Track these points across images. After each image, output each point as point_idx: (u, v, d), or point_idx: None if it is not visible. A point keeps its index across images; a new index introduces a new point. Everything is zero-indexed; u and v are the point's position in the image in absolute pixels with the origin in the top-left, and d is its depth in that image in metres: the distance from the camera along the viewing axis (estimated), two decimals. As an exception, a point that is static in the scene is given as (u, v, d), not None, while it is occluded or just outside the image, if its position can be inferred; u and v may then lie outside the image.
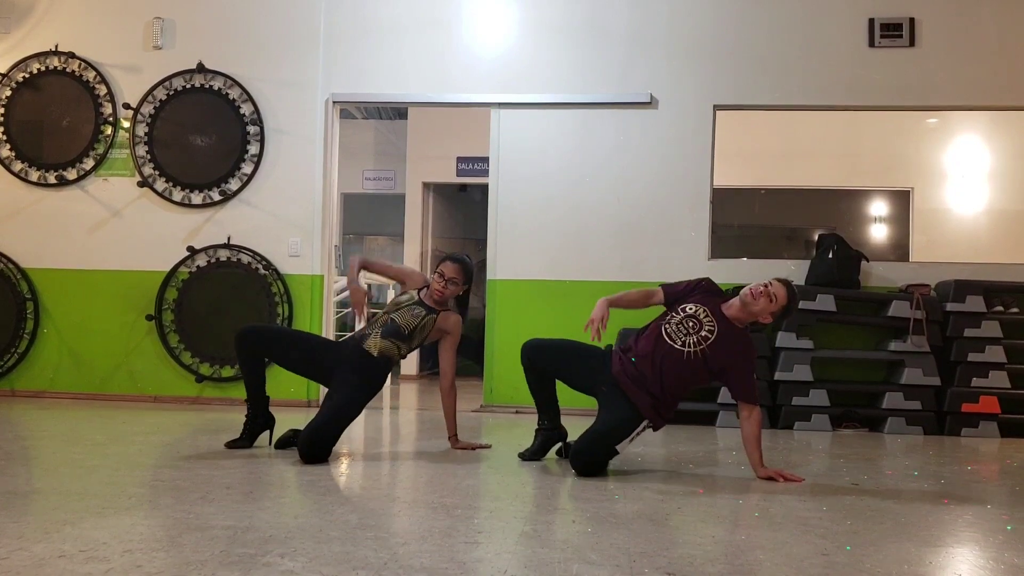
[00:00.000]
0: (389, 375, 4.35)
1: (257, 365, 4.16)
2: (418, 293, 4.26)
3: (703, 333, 3.66)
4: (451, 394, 4.27)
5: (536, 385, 3.98)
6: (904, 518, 2.91)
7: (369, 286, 8.06)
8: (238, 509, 2.73)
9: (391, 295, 8.46)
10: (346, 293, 7.62)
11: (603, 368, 3.78)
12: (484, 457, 4.06)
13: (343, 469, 3.70)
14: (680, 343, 3.65)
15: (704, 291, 3.85)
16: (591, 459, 3.57)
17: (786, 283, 3.78)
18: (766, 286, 3.71)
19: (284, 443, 4.14)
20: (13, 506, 2.74)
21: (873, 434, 5.63)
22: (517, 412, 6.16)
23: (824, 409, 5.74)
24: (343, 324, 7.87)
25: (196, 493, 2.98)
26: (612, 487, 3.33)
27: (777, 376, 5.79)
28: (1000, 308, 5.84)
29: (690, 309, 3.73)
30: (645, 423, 3.66)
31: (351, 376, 4.00)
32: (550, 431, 4.01)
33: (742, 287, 6.12)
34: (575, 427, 3.93)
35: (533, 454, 3.96)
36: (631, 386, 3.65)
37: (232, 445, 4.09)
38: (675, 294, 3.86)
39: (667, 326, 3.71)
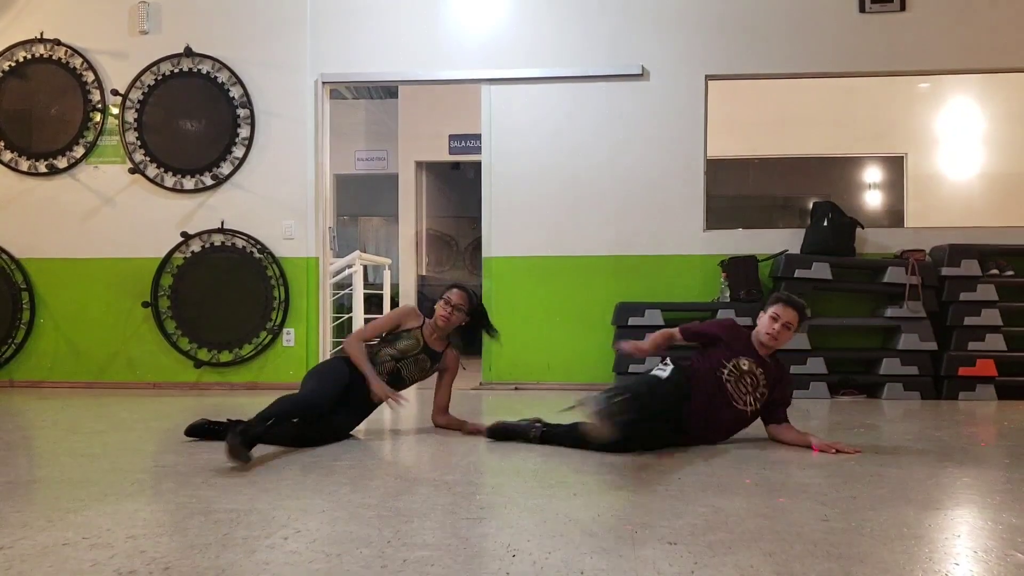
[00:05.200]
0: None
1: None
2: (421, 333, 4.11)
3: (761, 390, 3.69)
4: (445, 421, 4.19)
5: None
6: (903, 482, 2.94)
7: (365, 267, 8.03)
8: (241, 492, 2.75)
9: (387, 275, 8.46)
10: (342, 276, 7.62)
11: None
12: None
13: (344, 449, 3.70)
14: (743, 403, 3.65)
15: (743, 340, 3.77)
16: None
17: (786, 301, 3.75)
18: (774, 319, 3.70)
19: (197, 431, 3.86)
20: (16, 495, 2.75)
21: (871, 400, 5.66)
22: (516, 388, 6.18)
23: (822, 377, 5.77)
24: (339, 306, 7.85)
25: (198, 478, 2.99)
26: (613, 460, 3.34)
27: (774, 345, 5.81)
28: (995, 271, 5.85)
29: (744, 365, 3.67)
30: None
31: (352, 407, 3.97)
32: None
33: (739, 257, 6.13)
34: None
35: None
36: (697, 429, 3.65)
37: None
38: (700, 335, 3.81)
39: (729, 385, 3.64)
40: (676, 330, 3.85)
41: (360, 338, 4.10)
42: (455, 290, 4.15)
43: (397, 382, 4.04)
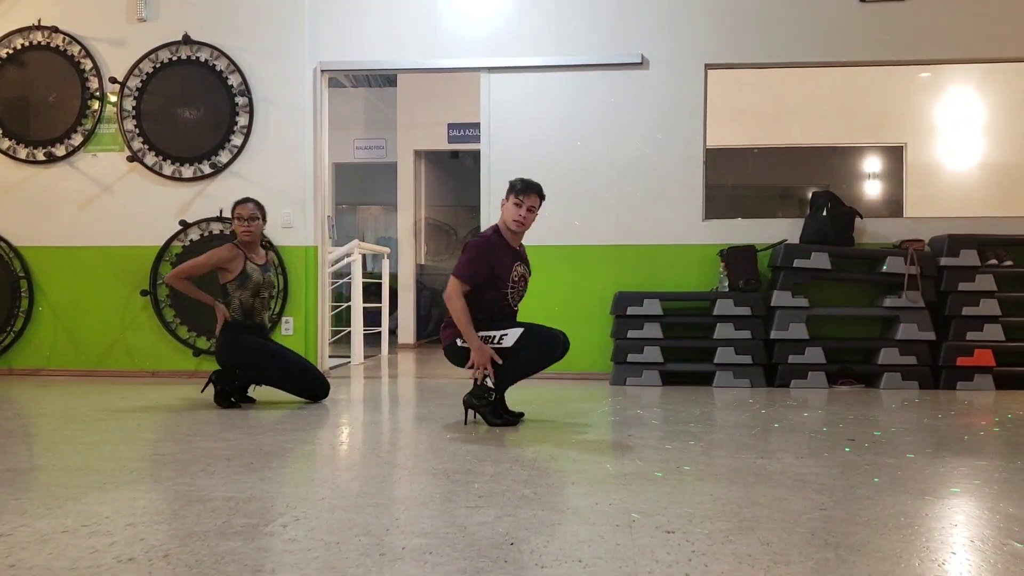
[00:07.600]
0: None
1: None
2: (249, 261, 4.79)
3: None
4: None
5: None
6: (900, 471, 2.94)
7: (364, 256, 8.01)
8: (239, 480, 2.75)
9: (386, 264, 8.45)
10: (340, 264, 7.62)
11: None
12: (484, 423, 4.08)
13: (343, 437, 3.71)
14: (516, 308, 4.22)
15: (503, 247, 4.12)
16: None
17: (527, 187, 4.04)
18: (518, 205, 4.05)
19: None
20: (15, 483, 2.76)
21: (869, 390, 5.67)
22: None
23: (820, 366, 5.77)
24: (338, 294, 7.85)
25: (197, 466, 3.00)
26: (610, 448, 3.35)
27: (773, 335, 5.81)
28: (994, 261, 5.85)
29: (518, 273, 4.14)
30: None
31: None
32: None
33: (738, 247, 6.12)
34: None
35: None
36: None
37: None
38: (478, 275, 4.02)
39: (511, 299, 4.11)
40: (454, 287, 3.95)
41: (185, 276, 4.74)
42: (244, 206, 4.79)
43: (254, 314, 4.80)
